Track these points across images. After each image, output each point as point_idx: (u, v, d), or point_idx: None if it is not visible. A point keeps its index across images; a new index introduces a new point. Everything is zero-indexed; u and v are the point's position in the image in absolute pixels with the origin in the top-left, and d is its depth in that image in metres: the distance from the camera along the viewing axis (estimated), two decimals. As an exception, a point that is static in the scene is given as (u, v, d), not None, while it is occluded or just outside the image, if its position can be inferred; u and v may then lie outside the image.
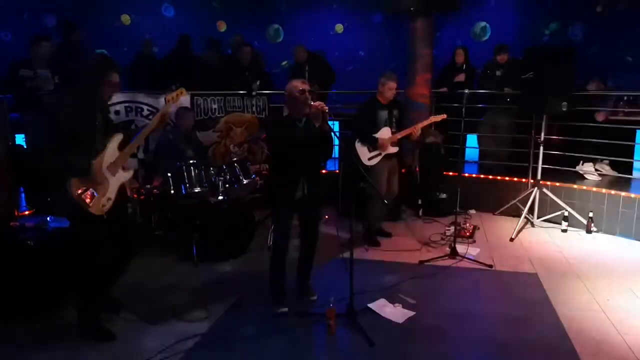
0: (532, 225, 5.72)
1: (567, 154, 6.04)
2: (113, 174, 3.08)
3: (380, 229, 5.26)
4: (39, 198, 5.13)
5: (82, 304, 3.20)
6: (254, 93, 6.49)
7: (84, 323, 3.19)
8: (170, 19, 10.68)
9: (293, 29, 10.82)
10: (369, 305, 3.64)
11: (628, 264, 4.59)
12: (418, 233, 5.43)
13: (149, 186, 4.90)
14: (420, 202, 6.10)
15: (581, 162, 6.15)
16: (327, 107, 3.27)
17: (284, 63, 9.77)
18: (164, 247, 4.74)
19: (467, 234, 5.21)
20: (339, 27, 10.90)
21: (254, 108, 6.57)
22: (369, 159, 4.84)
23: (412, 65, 6.27)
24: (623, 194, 5.36)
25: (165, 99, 3.34)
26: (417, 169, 6.25)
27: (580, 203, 5.63)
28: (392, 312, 3.57)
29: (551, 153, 5.96)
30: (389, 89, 4.75)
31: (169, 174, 4.61)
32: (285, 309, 3.53)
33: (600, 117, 6.18)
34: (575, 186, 5.76)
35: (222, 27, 10.77)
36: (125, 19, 10.42)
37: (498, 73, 6.53)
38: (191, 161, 4.66)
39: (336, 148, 4.93)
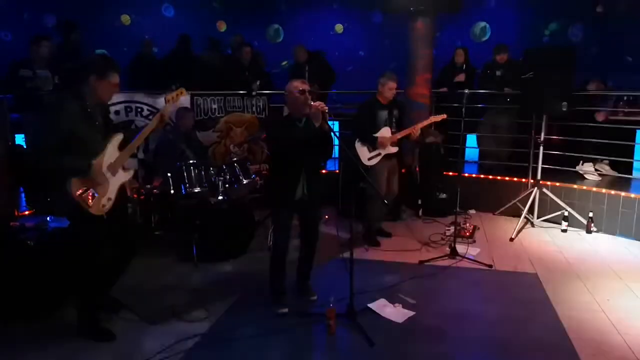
0: (532, 225, 5.72)
1: (567, 154, 6.04)
2: (113, 174, 3.08)
3: (380, 229, 5.26)
4: (39, 198, 5.13)
5: (82, 304, 3.20)
6: (254, 93, 6.50)
7: (84, 323, 3.19)
8: (170, 19, 10.69)
9: (293, 29, 10.83)
10: (369, 305, 3.64)
11: (628, 264, 4.59)
12: (418, 233, 5.43)
13: (149, 186, 4.90)
14: (420, 202, 6.10)
15: (581, 162, 6.15)
16: (327, 107, 3.27)
17: (284, 63, 9.77)
18: (164, 247, 4.74)
19: (467, 234, 5.21)
20: (339, 27, 10.91)
21: (254, 108, 6.58)
22: (369, 159, 4.84)
23: (412, 65, 6.27)
24: (623, 194, 5.36)
25: (165, 98, 3.34)
26: (417, 169, 6.26)
27: (580, 203, 5.63)
28: (392, 312, 3.57)
29: (551, 153, 5.97)
30: (389, 89, 4.76)
31: (169, 174, 4.62)
32: (286, 310, 3.53)
33: (600, 117, 6.18)
34: (575, 186, 5.76)
35: (222, 27, 10.78)
36: (125, 19, 10.43)
37: (498, 73, 6.53)
38: (191, 161, 4.66)
39: (336, 148, 4.95)
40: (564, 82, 5.25)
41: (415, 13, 6.07)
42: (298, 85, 3.39)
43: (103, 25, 9.60)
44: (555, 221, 5.66)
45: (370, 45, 10.60)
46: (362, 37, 10.75)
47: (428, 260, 4.57)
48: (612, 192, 5.45)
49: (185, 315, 3.50)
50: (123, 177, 3.17)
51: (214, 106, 6.24)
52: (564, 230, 5.48)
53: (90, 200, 2.95)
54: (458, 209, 4.97)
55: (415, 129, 4.82)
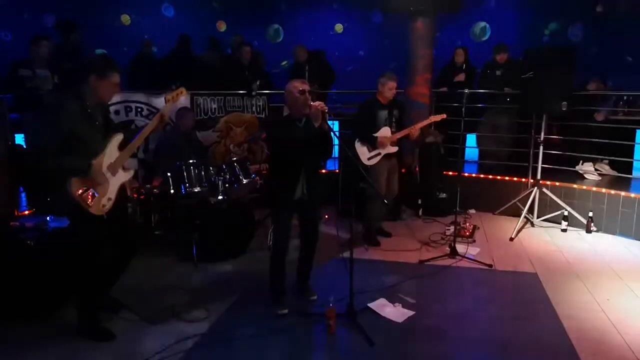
0: (532, 225, 5.72)
1: (566, 153, 6.05)
2: (113, 174, 3.08)
3: (380, 229, 5.26)
4: (39, 198, 5.13)
5: (82, 304, 3.20)
6: (253, 93, 6.50)
7: (84, 323, 3.19)
8: (170, 19, 10.70)
9: (293, 28, 10.85)
10: (369, 304, 3.64)
11: (628, 263, 4.60)
12: (418, 233, 5.43)
13: (148, 186, 4.90)
14: (420, 201, 6.10)
15: (581, 161, 6.15)
16: (327, 107, 3.27)
17: (284, 63, 9.78)
18: (164, 247, 4.74)
19: (467, 233, 5.21)
20: (339, 27, 10.92)
21: (254, 108, 6.58)
22: (369, 158, 4.84)
23: (412, 65, 6.27)
24: (623, 193, 5.36)
25: (165, 98, 3.34)
26: (417, 168, 6.26)
27: (580, 203, 5.63)
28: (392, 311, 3.57)
29: (551, 153, 5.97)
30: (389, 88, 4.75)
31: (169, 174, 4.62)
32: (286, 311, 3.53)
33: (599, 117, 6.19)
34: (575, 186, 5.76)
35: (222, 27, 10.79)
36: (125, 19, 10.44)
37: (498, 73, 6.53)
38: (191, 161, 4.66)
39: (336, 148, 4.95)
40: (564, 82, 5.25)
41: (415, 13, 6.07)
42: (298, 85, 3.39)
43: (103, 25, 9.61)
44: (555, 221, 5.66)
45: (370, 45, 10.61)
46: (362, 37, 10.76)
47: (428, 260, 4.57)
48: (612, 191, 5.45)
49: (185, 315, 3.50)
50: (123, 177, 3.17)
51: (214, 106, 6.24)
52: (564, 230, 5.48)
53: (90, 200, 2.95)
54: (458, 209, 4.96)
55: (415, 129, 4.82)
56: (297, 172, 3.45)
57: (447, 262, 4.54)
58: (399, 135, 4.84)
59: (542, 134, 5.61)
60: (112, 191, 3.08)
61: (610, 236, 5.37)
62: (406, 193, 5.75)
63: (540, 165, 5.66)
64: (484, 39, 9.97)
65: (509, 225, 5.57)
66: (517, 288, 4.05)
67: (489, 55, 6.80)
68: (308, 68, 6.14)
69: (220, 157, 5.72)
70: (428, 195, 6.14)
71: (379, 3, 7.49)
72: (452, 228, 5.02)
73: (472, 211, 6.22)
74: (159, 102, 5.62)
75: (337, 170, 6.31)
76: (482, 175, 6.48)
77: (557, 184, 5.82)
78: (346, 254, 3.41)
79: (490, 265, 4.48)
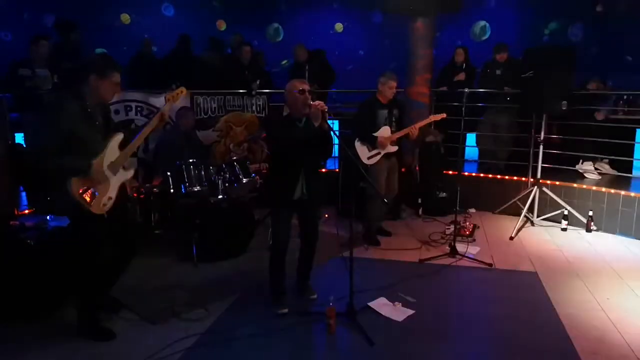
0: (532, 224, 5.73)
1: (566, 152, 6.05)
2: (114, 173, 3.08)
3: (380, 228, 5.26)
4: (39, 197, 5.13)
5: (82, 303, 3.20)
6: (253, 92, 6.50)
7: (84, 323, 3.19)
8: (170, 18, 10.70)
9: (293, 28, 10.86)
10: (369, 304, 3.64)
11: (628, 262, 4.60)
12: (418, 232, 5.43)
13: (148, 185, 4.90)
14: (420, 201, 6.10)
15: (581, 161, 6.15)
16: (326, 107, 3.26)
17: (283, 62, 9.78)
18: (164, 247, 4.74)
19: (467, 232, 5.21)
20: (339, 27, 10.92)
21: (254, 107, 6.58)
22: (369, 158, 4.84)
23: (412, 65, 6.28)
24: (623, 192, 5.37)
25: (165, 98, 3.34)
26: (417, 168, 6.27)
27: (580, 202, 5.63)
28: (392, 310, 3.57)
29: (551, 152, 5.97)
30: (389, 88, 4.75)
31: (169, 173, 4.62)
32: (286, 310, 3.53)
33: (600, 116, 6.19)
34: (575, 185, 5.76)
35: (222, 26, 10.79)
36: (125, 18, 10.44)
37: (498, 72, 6.53)
38: (191, 160, 4.66)
39: (336, 147, 4.95)
40: (564, 81, 5.25)
41: (415, 13, 6.06)
42: (298, 84, 3.38)
43: (103, 25, 9.61)
44: (555, 220, 5.66)
45: (370, 44, 10.61)
46: (362, 36, 10.76)
47: (428, 259, 4.57)
48: (612, 190, 5.45)
49: (185, 314, 3.50)
50: (123, 176, 3.17)
51: (214, 105, 6.24)
52: (564, 229, 5.48)
53: (90, 200, 2.95)
54: (458, 208, 4.96)
55: (415, 128, 4.81)
56: (297, 171, 3.45)
57: (447, 261, 4.55)
58: (398, 134, 4.84)
59: (542, 133, 5.61)
60: (112, 190, 3.08)
61: (610, 235, 5.37)
62: (406, 192, 5.76)
63: (540, 164, 5.67)
64: (484, 38, 9.97)
65: (509, 225, 5.57)
66: (517, 287, 4.05)
67: (489, 54, 6.80)
68: (308, 67, 6.14)
69: (220, 157, 5.71)
70: (428, 194, 6.14)
71: (379, 3, 7.50)
72: (452, 227, 5.02)
73: (472, 210, 6.23)
74: (159, 101, 5.61)
75: (337, 170, 6.31)
76: (482, 175, 6.49)
77: (557, 183, 5.82)
78: (346, 253, 3.41)
79: (490, 265, 4.48)
